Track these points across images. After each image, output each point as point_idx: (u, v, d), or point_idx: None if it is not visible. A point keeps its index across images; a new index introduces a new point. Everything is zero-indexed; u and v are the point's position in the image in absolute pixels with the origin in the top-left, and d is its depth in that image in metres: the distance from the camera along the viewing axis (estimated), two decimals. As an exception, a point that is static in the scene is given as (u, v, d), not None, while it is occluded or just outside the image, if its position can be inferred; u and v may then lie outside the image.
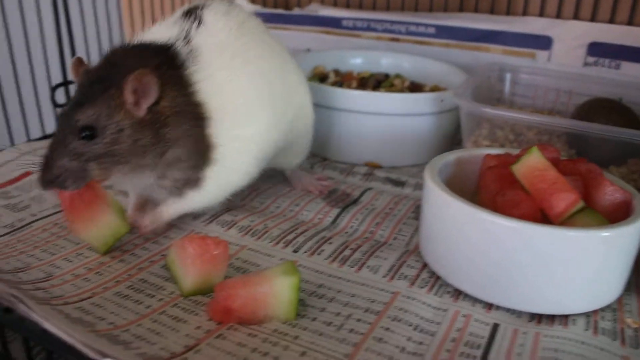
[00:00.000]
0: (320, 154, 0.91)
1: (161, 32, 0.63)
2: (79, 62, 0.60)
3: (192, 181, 0.61)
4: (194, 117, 0.58)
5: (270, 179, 0.82)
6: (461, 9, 1.09)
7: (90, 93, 0.56)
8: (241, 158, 0.63)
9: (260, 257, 0.62)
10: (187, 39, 0.60)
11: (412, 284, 0.58)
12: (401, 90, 0.95)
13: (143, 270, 0.59)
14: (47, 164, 0.55)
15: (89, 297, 0.54)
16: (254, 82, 0.64)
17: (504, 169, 0.61)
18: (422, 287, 0.58)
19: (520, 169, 0.57)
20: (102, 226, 0.60)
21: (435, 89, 0.98)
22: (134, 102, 0.54)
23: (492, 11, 1.06)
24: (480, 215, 0.53)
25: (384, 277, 0.59)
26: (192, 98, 0.58)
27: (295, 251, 0.63)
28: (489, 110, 0.75)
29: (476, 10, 1.07)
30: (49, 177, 0.55)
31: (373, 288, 0.57)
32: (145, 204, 0.67)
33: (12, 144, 0.87)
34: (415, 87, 0.99)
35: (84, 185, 0.56)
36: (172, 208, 0.64)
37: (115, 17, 1.09)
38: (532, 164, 0.57)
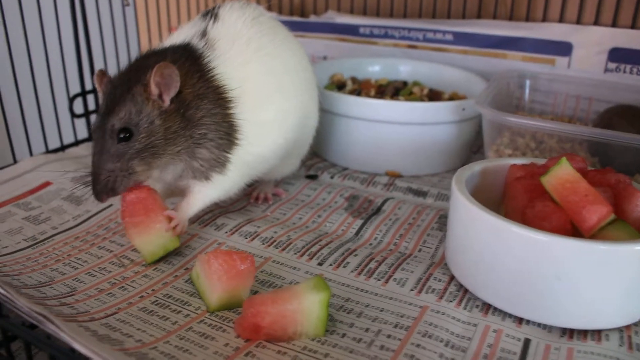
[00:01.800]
0: (339, 164, 0.91)
1: (180, 35, 0.67)
2: (102, 73, 0.62)
3: (218, 163, 0.62)
4: (216, 98, 0.61)
5: (287, 185, 0.81)
6: (479, 15, 1.08)
7: (117, 96, 0.58)
8: (262, 142, 0.65)
9: (285, 269, 0.61)
10: (203, 33, 0.64)
11: (441, 297, 0.57)
12: (420, 98, 0.94)
13: (167, 285, 0.58)
14: (96, 175, 0.58)
15: (114, 313, 0.53)
16: (269, 65, 0.67)
17: (532, 179, 0.59)
18: (450, 301, 0.56)
19: (550, 181, 0.56)
20: (154, 235, 0.60)
21: (454, 96, 0.97)
22: (159, 95, 0.58)
23: (511, 17, 1.05)
24: (510, 228, 0.52)
25: (411, 290, 0.58)
26: (212, 83, 0.61)
27: (320, 264, 0.62)
28: (513, 119, 0.74)
29: (495, 16, 1.06)
30: (101, 186, 0.58)
31: (401, 302, 0.56)
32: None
33: (31, 154, 0.87)
34: (434, 95, 0.97)
35: (132, 184, 0.59)
36: (199, 197, 0.65)
37: (132, 27, 1.09)
38: (563, 176, 0.56)
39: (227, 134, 0.63)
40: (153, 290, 0.57)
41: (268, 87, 0.67)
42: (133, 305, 0.54)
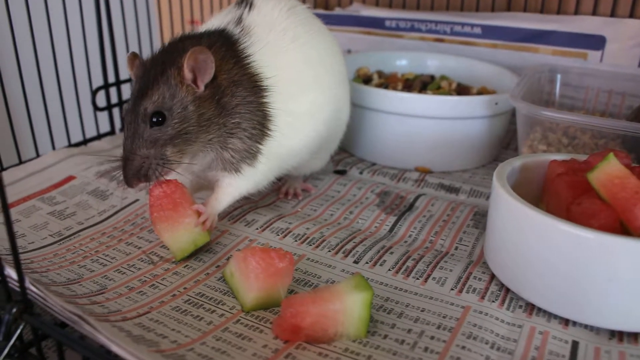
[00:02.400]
0: (367, 159, 0.88)
1: (215, 22, 0.65)
2: (134, 56, 0.60)
3: (250, 154, 0.61)
4: (251, 86, 0.59)
5: (316, 180, 0.79)
6: (509, 8, 1.05)
7: (150, 79, 0.56)
8: (295, 134, 0.64)
9: (320, 267, 0.59)
10: (239, 21, 0.63)
11: (482, 297, 0.55)
12: (448, 93, 0.91)
13: (199, 283, 0.56)
14: (128, 159, 0.56)
15: (146, 312, 0.51)
16: (305, 55, 0.66)
17: (575, 176, 0.57)
18: (493, 301, 0.54)
19: (597, 177, 0.53)
20: (184, 231, 0.58)
21: (483, 91, 0.94)
22: (193, 80, 0.57)
23: (542, 10, 1.02)
24: (558, 226, 0.50)
25: (452, 289, 0.56)
26: (248, 70, 0.59)
27: (356, 262, 0.60)
28: (550, 114, 0.72)
29: (525, 9, 1.04)
30: (132, 171, 0.55)
31: (442, 302, 0.54)
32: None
33: (54, 147, 0.85)
34: (462, 89, 0.95)
35: (166, 173, 0.57)
36: (228, 191, 0.63)
37: (155, 19, 1.07)
38: (611, 172, 0.53)
39: (260, 124, 0.61)
40: (185, 288, 0.55)
41: (304, 78, 0.66)
42: (165, 304, 0.52)
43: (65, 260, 0.59)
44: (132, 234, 0.65)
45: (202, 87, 0.57)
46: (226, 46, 0.61)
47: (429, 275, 0.58)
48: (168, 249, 0.61)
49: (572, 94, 0.95)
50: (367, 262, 0.60)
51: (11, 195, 0.73)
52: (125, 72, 0.95)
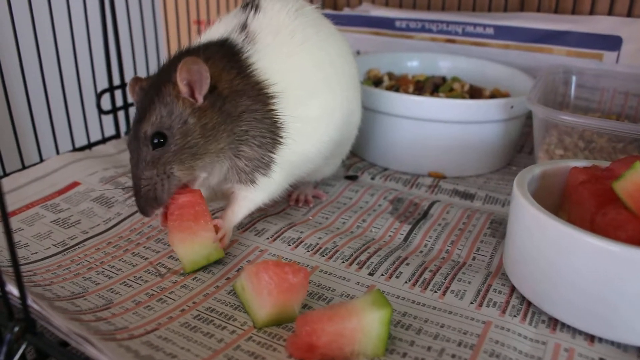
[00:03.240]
0: (379, 164, 0.86)
1: (219, 29, 0.63)
2: (135, 81, 0.58)
3: (263, 164, 0.59)
4: (255, 94, 0.57)
5: (327, 186, 0.77)
6: (522, 8, 1.03)
7: (146, 102, 0.55)
8: (308, 140, 0.62)
9: (334, 280, 0.57)
10: (243, 26, 0.61)
11: (503, 311, 0.52)
12: (461, 95, 0.89)
13: (209, 296, 0.54)
14: (137, 187, 0.54)
15: (154, 329, 0.49)
16: (315, 58, 0.63)
17: (598, 184, 0.55)
18: (514, 316, 0.52)
19: (624, 187, 0.51)
20: (199, 245, 0.56)
21: (496, 93, 0.92)
22: (190, 94, 0.55)
23: (556, 10, 1.00)
24: (583, 238, 0.48)
25: (471, 303, 0.54)
26: (251, 79, 0.57)
27: (371, 274, 0.58)
28: (570, 118, 0.69)
29: (539, 9, 1.01)
30: (144, 199, 0.54)
31: (462, 317, 0.52)
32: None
33: (57, 152, 0.83)
34: (474, 92, 0.93)
35: (175, 188, 0.55)
36: (244, 203, 0.62)
37: (161, 20, 1.05)
38: (639, 181, 0.51)
39: (271, 132, 0.59)
40: (194, 302, 0.53)
41: (314, 81, 0.63)
42: (174, 320, 0.50)
43: (69, 272, 0.57)
44: (139, 243, 0.63)
45: (200, 99, 0.55)
46: (228, 57, 0.58)
47: (447, 288, 0.56)
48: (176, 260, 0.59)
49: (587, 95, 0.93)
50: (382, 274, 0.58)
51: (14, 202, 0.71)
52: (131, 74, 0.92)
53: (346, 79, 0.68)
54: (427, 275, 0.58)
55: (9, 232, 0.38)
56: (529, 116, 0.86)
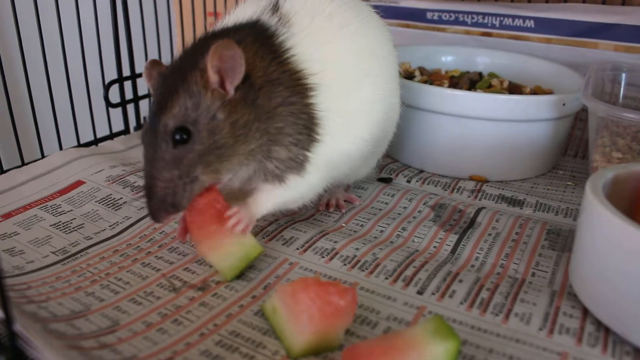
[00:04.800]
0: (414, 165, 0.78)
1: (245, 10, 0.55)
2: (153, 64, 0.50)
3: (297, 163, 0.51)
4: (293, 85, 0.50)
5: (359, 190, 0.69)
6: (566, -1, 0.94)
7: (169, 89, 0.46)
8: (347, 137, 0.55)
9: (378, 300, 0.49)
10: (275, 7, 0.53)
11: (579, 340, 0.44)
12: (500, 92, 0.81)
13: (232, 317, 0.46)
14: (150, 188, 0.46)
15: (169, 359, 0.40)
16: (356, 45, 0.56)
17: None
18: (593, 346, 0.44)
19: None
20: (234, 245, 0.49)
21: (537, 90, 0.84)
22: (220, 83, 0.46)
23: (604, 1, 0.91)
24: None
25: (540, 330, 0.45)
26: (288, 66, 0.50)
27: (420, 292, 0.50)
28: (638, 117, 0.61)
29: (584, 0, 0.93)
30: (157, 202, 0.46)
31: (532, 346, 0.44)
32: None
33: (61, 148, 0.75)
34: (514, 88, 0.85)
35: (199, 195, 0.48)
36: (270, 197, 0.53)
37: (175, 6, 0.97)
38: None
39: (307, 128, 0.51)
40: (215, 325, 0.45)
41: (355, 71, 0.55)
42: (192, 346, 0.42)
43: (69, 285, 0.49)
44: (150, 252, 0.55)
45: (231, 91, 0.47)
46: (260, 40, 0.50)
47: (509, 311, 0.48)
48: (192, 272, 0.51)
49: (637, 95, 0.84)
50: (433, 293, 0.50)
51: (10, 202, 0.63)
52: (141, 65, 0.84)
53: (387, 70, 0.61)
54: (484, 294, 0.50)
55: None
56: (576, 116, 0.78)
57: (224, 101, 0.46)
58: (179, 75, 0.47)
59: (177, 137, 0.45)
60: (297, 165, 0.51)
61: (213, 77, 0.46)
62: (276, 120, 0.49)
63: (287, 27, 0.52)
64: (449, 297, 0.49)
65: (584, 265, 0.48)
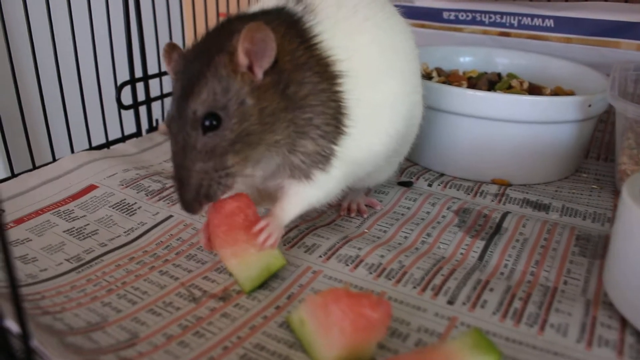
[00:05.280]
0: (434, 169, 0.76)
1: (268, 1, 0.53)
2: (171, 47, 0.48)
3: (323, 157, 0.49)
4: (322, 70, 0.48)
5: (380, 194, 0.67)
6: (587, -3, 0.92)
7: (194, 73, 0.44)
8: (373, 131, 0.53)
9: (407, 310, 0.47)
10: None
11: (620, 353, 0.42)
12: (520, 93, 0.79)
13: (256, 330, 0.44)
14: (183, 179, 0.44)
15: (192, 375, 0.38)
16: (380, 38, 0.54)
17: None
18: (635, 359, 0.41)
19: None
20: (253, 255, 0.47)
21: (558, 91, 0.82)
22: (248, 66, 0.45)
23: (626, -1, 0.89)
24: None
25: (577, 342, 0.43)
26: (316, 51, 0.48)
27: (450, 302, 0.48)
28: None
29: (606, -2, 0.91)
30: (192, 193, 0.44)
31: (571, 359, 0.41)
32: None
33: (72, 150, 0.73)
34: (534, 89, 0.82)
35: (231, 187, 0.46)
36: (295, 200, 0.51)
37: (188, 6, 0.95)
38: None
39: (335, 119, 0.49)
40: (239, 338, 0.43)
41: (380, 63, 0.54)
42: (216, 361, 0.40)
43: (85, 294, 0.47)
44: (167, 260, 0.53)
45: (260, 75, 0.45)
46: (287, 24, 0.49)
47: (544, 321, 0.46)
48: (212, 281, 0.49)
49: (660, 95, 0.82)
50: (464, 303, 0.47)
51: (22, 207, 0.61)
52: (154, 66, 0.83)
53: (411, 66, 0.59)
54: (517, 304, 0.48)
55: (7, 253, 0.28)
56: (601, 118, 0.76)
57: (253, 86, 0.45)
58: (205, 58, 0.45)
59: (207, 123, 0.43)
60: (323, 159, 0.49)
61: (243, 60, 0.44)
62: (305, 111, 0.47)
63: (313, 14, 0.50)
64: (481, 307, 0.47)
65: (622, 274, 0.46)
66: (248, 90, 0.44)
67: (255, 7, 0.54)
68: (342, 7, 0.52)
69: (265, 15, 0.49)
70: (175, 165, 0.45)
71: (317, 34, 0.49)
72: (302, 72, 0.47)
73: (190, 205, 0.45)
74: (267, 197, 0.53)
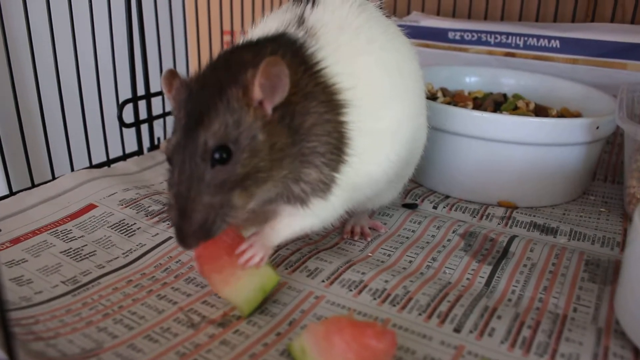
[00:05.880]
0: (439, 190, 0.74)
1: (269, 24, 0.53)
2: (172, 74, 0.46)
3: (324, 185, 0.48)
4: (327, 100, 0.47)
5: (384, 216, 0.65)
6: (593, 18, 0.91)
7: (204, 103, 0.42)
8: (374, 159, 0.52)
9: (413, 338, 0.45)
10: (301, 20, 0.51)
11: (634, 386, 0.40)
12: (526, 114, 0.78)
13: (256, 358, 0.43)
14: (186, 212, 0.42)
15: (190, 407, 0.37)
16: (384, 62, 0.53)
17: None
18: (649, 393, 0.40)
19: None
20: (247, 278, 0.46)
21: (564, 112, 0.81)
22: (259, 101, 0.43)
23: (633, 20, 0.88)
24: None
25: (589, 374, 0.41)
26: (320, 79, 0.47)
27: (457, 330, 0.46)
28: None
29: (612, 19, 0.90)
30: (193, 228, 0.42)
31: (583, 393, 0.40)
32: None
33: (72, 169, 0.72)
34: (540, 110, 0.81)
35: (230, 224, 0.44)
36: (289, 224, 0.50)
37: (191, 26, 0.95)
38: None
39: (337, 148, 0.48)
40: (239, 366, 0.41)
41: (384, 88, 0.52)
42: (214, 392, 0.38)
43: (80, 319, 0.46)
44: (166, 283, 0.52)
45: (269, 110, 0.44)
46: (291, 52, 0.47)
47: (555, 351, 0.44)
48: (212, 306, 0.48)
49: (667, 118, 0.81)
50: (471, 331, 0.46)
51: (19, 226, 0.60)
52: (156, 84, 0.82)
53: (414, 87, 0.58)
54: (526, 332, 0.46)
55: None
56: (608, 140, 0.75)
57: (265, 121, 0.43)
58: (215, 89, 0.43)
59: (217, 155, 0.41)
60: (325, 187, 0.48)
61: (258, 95, 0.42)
62: (310, 140, 0.46)
63: (314, 39, 0.49)
64: (489, 335, 0.46)
65: (635, 301, 0.45)
66: (260, 125, 0.43)
67: (256, 32, 0.52)
68: (343, 31, 0.51)
69: (268, 44, 0.48)
70: (176, 195, 0.42)
71: (320, 60, 0.48)
72: (307, 102, 0.46)
73: (188, 240, 0.42)
74: (260, 220, 0.51)
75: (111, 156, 0.79)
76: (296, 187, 0.47)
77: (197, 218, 0.41)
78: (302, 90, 0.45)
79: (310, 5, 0.53)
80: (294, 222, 0.50)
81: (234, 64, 0.45)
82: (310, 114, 0.46)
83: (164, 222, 0.63)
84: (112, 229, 0.61)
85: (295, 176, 0.46)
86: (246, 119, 0.42)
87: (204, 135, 0.41)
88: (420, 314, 0.48)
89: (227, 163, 0.42)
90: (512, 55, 0.96)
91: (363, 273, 0.54)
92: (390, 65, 0.54)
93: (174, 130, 0.44)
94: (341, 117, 0.47)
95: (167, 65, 0.84)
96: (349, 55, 0.50)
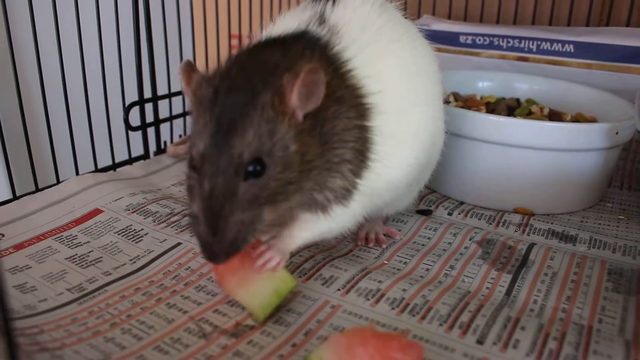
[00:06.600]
0: (454, 197, 0.73)
1: (289, 21, 0.50)
2: (191, 67, 0.43)
3: (346, 192, 0.46)
4: (355, 104, 0.45)
5: (398, 223, 0.63)
6: (608, 22, 0.89)
7: (235, 108, 0.40)
8: (395, 163, 0.50)
9: (435, 350, 0.43)
10: (322, 18, 0.49)
11: (666, 402, 0.38)
12: (540, 119, 0.76)
13: (272, 370, 0.40)
14: (217, 229, 0.39)
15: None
16: (406, 63, 0.52)
17: None
18: (684, 409, 0.38)
19: None
20: (260, 280, 0.44)
21: (579, 118, 0.79)
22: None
23: (649, 24, 0.87)
24: None
25: (620, 389, 0.39)
26: (348, 81, 0.45)
27: (480, 341, 0.44)
28: None
29: (628, 23, 0.88)
30: (224, 244, 0.39)
31: (616, 411, 0.37)
32: None
33: (77, 172, 0.70)
34: (554, 115, 0.79)
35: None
36: (308, 229, 0.48)
37: (199, 29, 0.93)
38: None
39: (361, 154, 0.46)
40: (253, 379, 0.39)
41: (407, 91, 0.51)
42: (229, 407, 0.36)
43: (86, 328, 0.44)
44: (175, 291, 0.50)
45: (301, 117, 0.41)
46: (317, 52, 0.45)
47: (583, 366, 0.42)
48: (224, 315, 0.46)
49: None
50: (494, 343, 0.44)
51: (22, 232, 0.58)
52: (163, 87, 0.80)
53: (433, 91, 0.56)
54: (552, 344, 0.44)
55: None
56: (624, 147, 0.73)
57: (297, 130, 0.41)
58: (246, 93, 0.40)
59: (251, 169, 0.39)
60: (347, 193, 0.46)
61: (295, 103, 0.40)
62: (339, 147, 0.44)
63: (338, 38, 0.47)
64: (513, 347, 0.44)
65: (666, 314, 0.42)
66: (293, 135, 0.40)
67: (276, 29, 0.50)
68: (366, 30, 0.49)
69: (297, 42, 0.46)
70: (204, 209, 0.39)
71: (348, 60, 0.46)
72: (338, 106, 0.43)
73: (219, 256, 0.40)
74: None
75: (117, 160, 0.77)
76: (320, 195, 0.45)
77: (230, 236, 0.39)
78: (333, 93, 0.43)
79: (330, 3, 0.51)
80: (312, 227, 0.48)
81: (264, 65, 0.43)
82: (340, 119, 0.44)
83: (171, 227, 0.61)
84: (118, 234, 0.59)
85: (320, 187, 0.44)
86: (280, 129, 0.40)
87: (238, 146, 0.39)
88: (441, 325, 0.46)
89: (259, 177, 0.39)
90: (525, 59, 0.94)
91: (380, 281, 0.52)
92: (413, 67, 0.52)
93: (196, 132, 0.41)
94: (368, 122, 0.46)
95: (174, 68, 0.82)
96: (374, 56, 0.48)
